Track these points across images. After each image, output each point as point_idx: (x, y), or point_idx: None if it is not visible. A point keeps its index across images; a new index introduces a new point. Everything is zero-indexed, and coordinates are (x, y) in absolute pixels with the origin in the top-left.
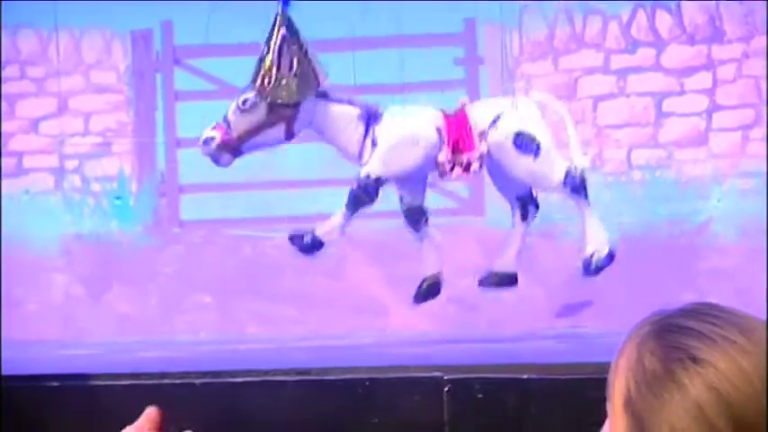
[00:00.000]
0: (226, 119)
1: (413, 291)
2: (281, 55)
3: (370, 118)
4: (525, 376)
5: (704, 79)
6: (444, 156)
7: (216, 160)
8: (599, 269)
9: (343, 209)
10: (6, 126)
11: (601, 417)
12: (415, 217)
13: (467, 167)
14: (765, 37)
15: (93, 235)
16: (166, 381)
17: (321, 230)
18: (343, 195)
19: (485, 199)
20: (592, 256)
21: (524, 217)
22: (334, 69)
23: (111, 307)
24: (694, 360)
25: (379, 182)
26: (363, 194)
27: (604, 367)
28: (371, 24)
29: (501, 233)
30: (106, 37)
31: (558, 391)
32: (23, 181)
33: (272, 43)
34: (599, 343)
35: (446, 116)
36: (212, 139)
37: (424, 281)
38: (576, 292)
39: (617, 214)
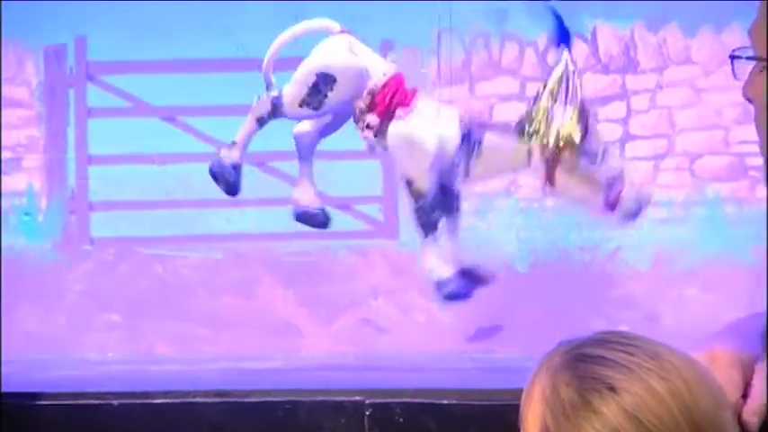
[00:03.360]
0: None
1: (325, 312)
2: None
3: None
4: (446, 401)
5: (618, 109)
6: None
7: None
8: None
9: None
10: None
11: None
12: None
13: None
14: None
15: None
16: (82, 401)
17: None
18: (257, 215)
19: (398, 222)
20: None
21: None
22: (256, 88)
23: (18, 325)
24: (611, 388)
25: None
26: None
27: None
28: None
29: (414, 254)
30: (18, 51)
31: (477, 417)
32: None
33: None
34: (510, 368)
35: None
36: None
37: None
38: (488, 316)
39: (529, 241)
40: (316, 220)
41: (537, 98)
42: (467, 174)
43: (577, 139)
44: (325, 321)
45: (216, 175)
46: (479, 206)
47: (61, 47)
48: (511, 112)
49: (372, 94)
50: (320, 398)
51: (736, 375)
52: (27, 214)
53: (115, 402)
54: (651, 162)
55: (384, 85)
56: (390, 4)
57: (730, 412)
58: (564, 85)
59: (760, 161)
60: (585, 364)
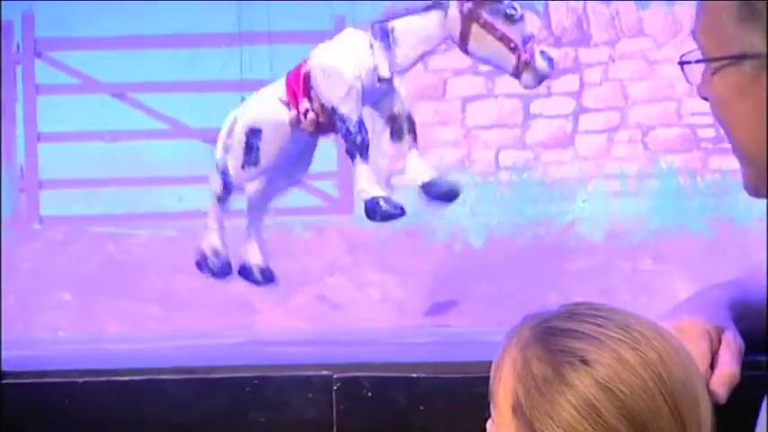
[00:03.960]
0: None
1: (280, 289)
2: None
3: None
4: (415, 375)
5: (571, 82)
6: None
7: None
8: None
9: None
10: None
11: (488, 415)
12: None
13: None
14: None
15: None
16: (46, 379)
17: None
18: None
19: (354, 197)
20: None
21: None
22: (206, 64)
23: None
24: (583, 361)
25: None
26: None
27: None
28: (244, 20)
29: (370, 230)
30: None
31: (446, 390)
32: None
33: None
34: (466, 341)
35: None
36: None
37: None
38: (443, 292)
39: (485, 214)
40: (262, 277)
41: None
42: (392, 68)
43: None
44: (280, 298)
45: (200, 266)
46: None
47: (8, 23)
48: (464, 86)
49: (293, 93)
50: (287, 373)
51: (704, 346)
52: None
53: (80, 380)
54: (604, 135)
55: (291, 80)
56: None
57: (703, 381)
58: None
59: (712, 133)
60: (556, 337)
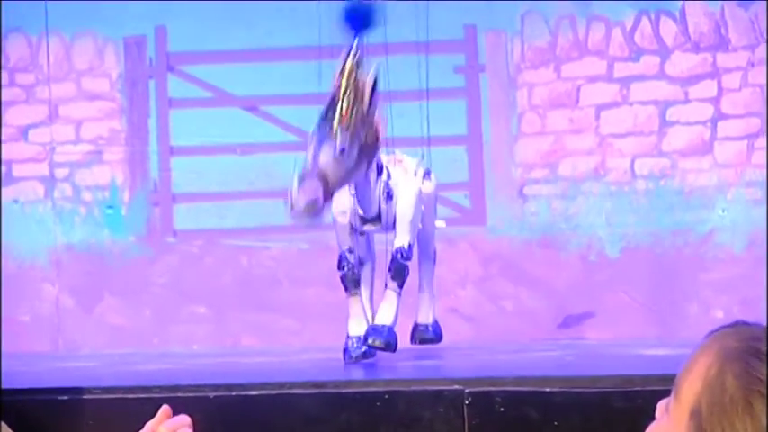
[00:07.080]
0: (319, 172)
1: (412, 303)
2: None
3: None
4: (548, 389)
5: (709, 88)
6: None
7: (316, 218)
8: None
9: (396, 288)
10: None
11: (624, 430)
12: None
13: None
14: (766, 44)
15: (84, 245)
16: (179, 394)
17: (384, 321)
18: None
19: (486, 208)
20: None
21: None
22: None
23: (102, 318)
24: None
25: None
26: (407, 262)
27: (628, 380)
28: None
29: (503, 241)
30: (98, 43)
31: (580, 404)
32: (13, 190)
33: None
34: (599, 354)
35: None
36: (315, 201)
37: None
38: (579, 303)
39: (621, 225)
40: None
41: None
42: None
43: None
44: (411, 312)
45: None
46: (568, 190)
47: (141, 38)
48: (598, 93)
49: None
50: (418, 387)
51: None
52: (110, 207)
53: (211, 395)
54: (744, 141)
55: None
56: None
57: None
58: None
59: None
60: (759, 362)
